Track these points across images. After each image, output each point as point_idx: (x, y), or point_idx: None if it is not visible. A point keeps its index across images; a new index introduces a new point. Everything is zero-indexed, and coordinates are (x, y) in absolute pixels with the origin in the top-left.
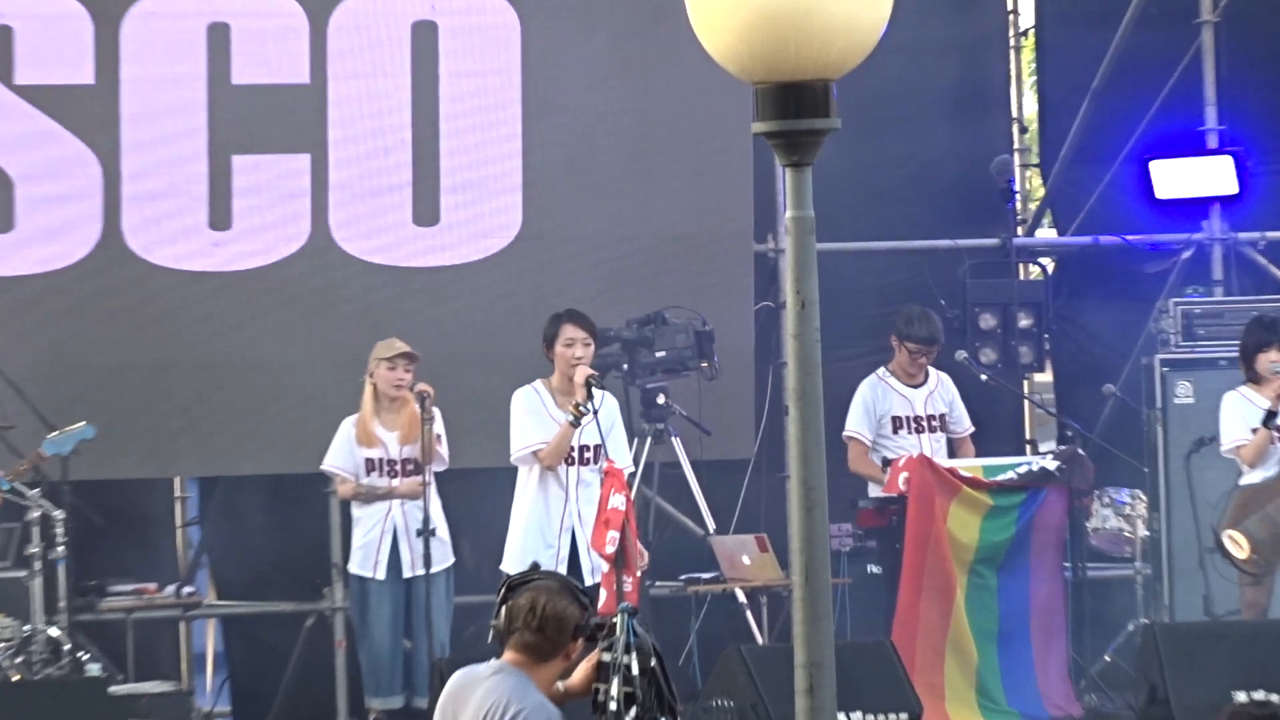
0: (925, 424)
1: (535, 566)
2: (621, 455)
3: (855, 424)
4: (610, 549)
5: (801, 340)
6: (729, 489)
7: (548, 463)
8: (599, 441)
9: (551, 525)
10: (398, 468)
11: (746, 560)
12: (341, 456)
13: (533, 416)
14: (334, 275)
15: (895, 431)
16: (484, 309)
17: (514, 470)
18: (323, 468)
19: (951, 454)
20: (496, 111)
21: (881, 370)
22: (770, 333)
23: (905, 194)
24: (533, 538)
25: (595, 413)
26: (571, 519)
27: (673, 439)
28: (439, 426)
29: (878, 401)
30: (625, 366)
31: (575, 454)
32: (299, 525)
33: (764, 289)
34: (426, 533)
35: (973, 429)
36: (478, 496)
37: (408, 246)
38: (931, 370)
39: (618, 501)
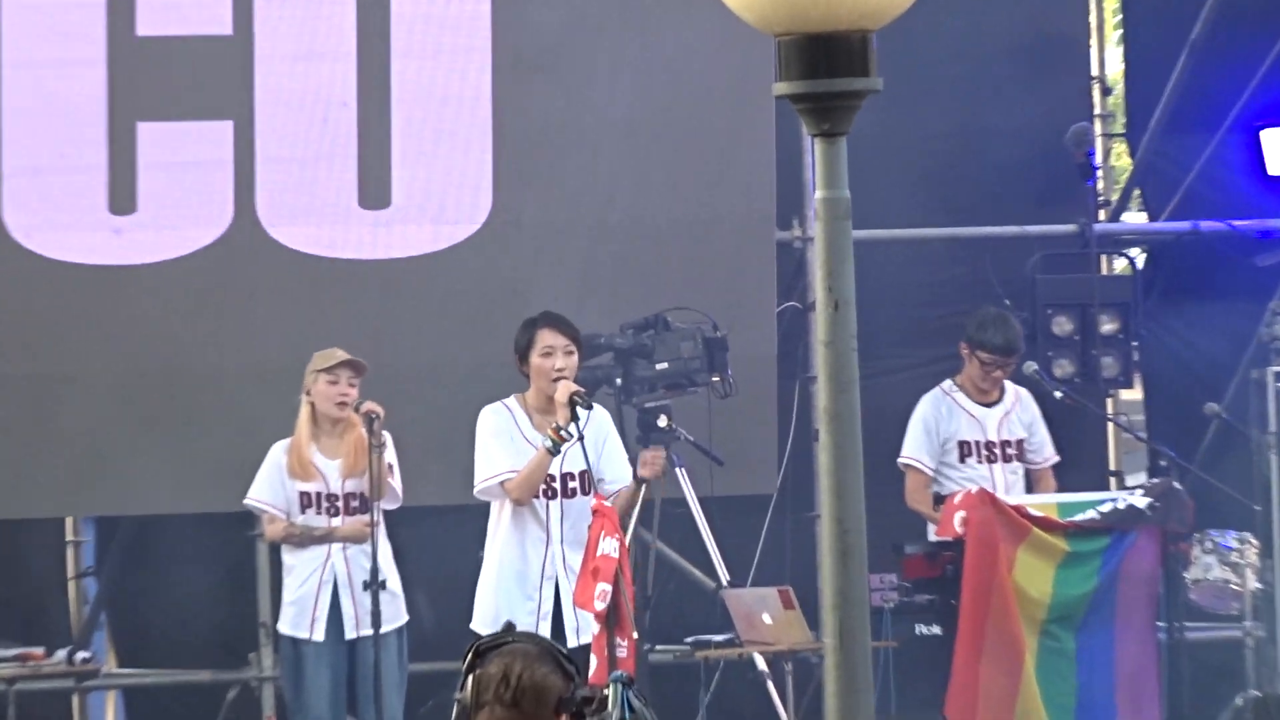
0: (999, 451)
1: (509, 626)
2: (622, 474)
3: (914, 449)
4: (600, 605)
5: (835, 349)
6: (746, 531)
7: (516, 495)
8: (585, 467)
9: (530, 574)
10: (339, 504)
11: (768, 619)
12: (270, 489)
13: (501, 440)
14: (262, 269)
15: (962, 459)
16: (445, 310)
17: (483, 508)
18: (246, 503)
19: (1029, 488)
20: (462, 70)
21: (948, 383)
22: (797, 340)
23: (961, 170)
24: (508, 590)
25: (580, 437)
26: (555, 566)
27: (677, 470)
28: (391, 454)
29: (941, 421)
30: (618, 381)
31: (557, 484)
32: (219, 576)
33: (789, 286)
34: (375, 584)
35: (1057, 458)
36: (438, 540)
37: (352, 234)
38: (1009, 386)
39: (609, 546)
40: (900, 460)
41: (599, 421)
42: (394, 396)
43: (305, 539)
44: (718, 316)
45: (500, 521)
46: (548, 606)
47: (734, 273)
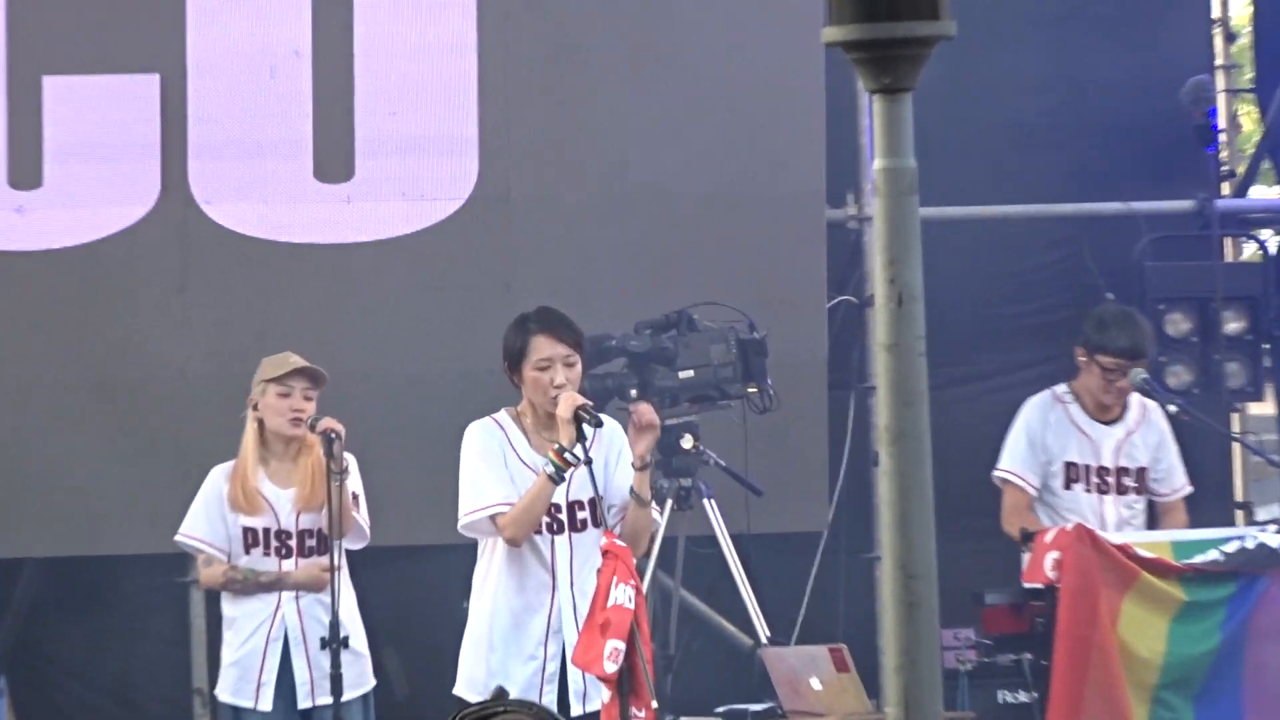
0: (1113, 480)
1: (500, 693)
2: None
3: (1014, 461)
4: (611, 667)
5: (898, 354)
6: (791, 577)
7: (511, 532)
8: (595, 494)
9: (531, 627)
10: (292, 543)
11: (816, 684)
12: (208, 524)
13: (492, 463)
14: (196, 256)
15: (1068, 485)
16: (420, 306)
17: (469, 547)
18: (179, 540)
19: (1152, 524)
20: (440, 12)
21: (1062, 389)
22: (852, 342)
23: (1053, 135)
24: (502, 647)
25: (589, 461)
26: (562, 616)
27: (705, 502)
28: (355, 482)
29: (1050, 434)
30: (633, 394)
31: (564, 515)
32: (144, 631)
33: (842, 277)
34: (335, 642)
35: (1189, 489)
36: (413, 587)
37: (306, 213)
38: (1135, 400)
39: (622, 595)
40: (997, 474)
41: (609, 437)
42: (359, 412)
43: (250, 586)
44: (755, 314)
45: (492, 563)
46: (553, 667)
47: (775, 260)
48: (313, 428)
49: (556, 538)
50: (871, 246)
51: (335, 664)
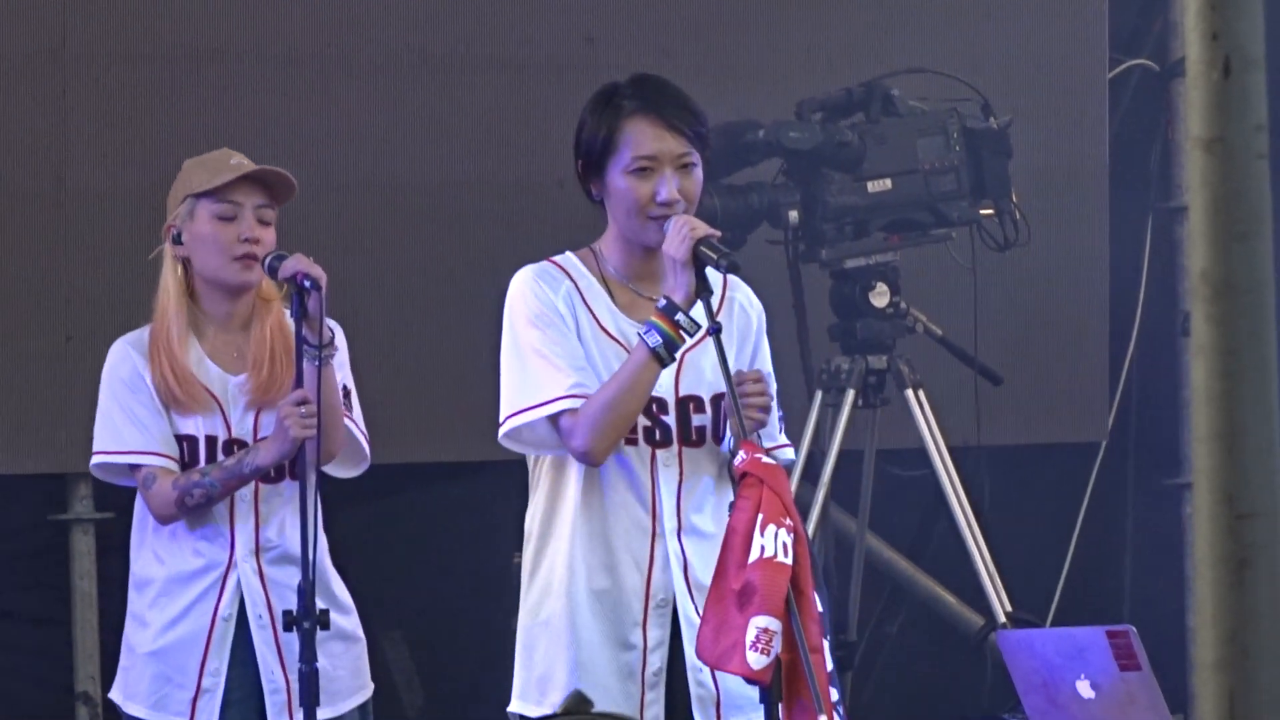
0: None
1: (579, 700)
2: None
3: None
4: (759, 660)
5: (1223, 152)
6: (1047, 513)
7: (584, 443)
8: (725, 386)
9: (624, 596)
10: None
11: (1087, 689)
12: (150, 420)
13: (553, 334)
14: None
15: None
16: (429, 72)
17: (517, 469)
18: (103, 463)
19: None
20: None
21: None
22: (1148, 136)
23: None
24: (581, 628)
25: (715, 329)
26: (672, 582)
27: (909, 395)
28: (343, 365)
29: None
30: (794, 216)
31: (672, 418)
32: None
33: (1135, 30)
34: (310, 619)
35: None
36: (432, 531)
37: None
38: None
39: (773, 542)
40: None
41: (743, 303)
42: (351, 249)
43: (220, 490)
44: (992, 90)
45: (558, 498)
46: (658, 662)
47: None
48: (273, 272)
49: (660, 452)
50: None
51: (308, 653)
